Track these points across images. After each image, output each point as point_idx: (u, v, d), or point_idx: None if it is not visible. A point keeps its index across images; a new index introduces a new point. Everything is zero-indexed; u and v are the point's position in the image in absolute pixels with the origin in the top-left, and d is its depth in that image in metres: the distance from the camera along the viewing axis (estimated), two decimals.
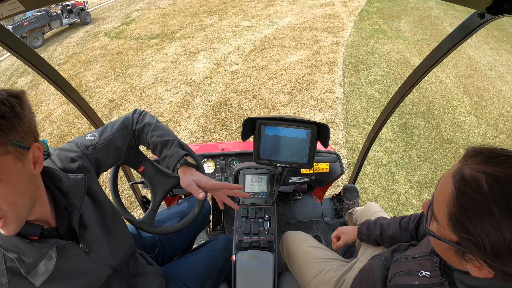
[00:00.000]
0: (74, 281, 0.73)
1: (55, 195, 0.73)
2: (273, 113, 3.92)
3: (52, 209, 0.73)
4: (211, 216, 1.56)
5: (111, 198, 0.99)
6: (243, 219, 1.29)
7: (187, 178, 0.95)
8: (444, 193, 0.54)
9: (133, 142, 1.00)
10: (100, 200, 0.85)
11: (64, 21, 8.10)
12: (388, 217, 1.14)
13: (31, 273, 0.65)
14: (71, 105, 1.61)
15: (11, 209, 0.59)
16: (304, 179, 1.60)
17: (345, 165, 2.91)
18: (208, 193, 1.04)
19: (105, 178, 2.89)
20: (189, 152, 1.08)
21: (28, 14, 7.21)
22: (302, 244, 1.27)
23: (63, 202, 0.74)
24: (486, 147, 0.54)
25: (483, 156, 0.52)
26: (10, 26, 6.84)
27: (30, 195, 0.64)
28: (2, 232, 0.60)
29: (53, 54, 6.69)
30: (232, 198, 1.98)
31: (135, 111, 1.04)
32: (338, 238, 1.22)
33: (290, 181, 1.59)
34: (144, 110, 1.07)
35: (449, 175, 0.55)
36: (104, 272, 0.81)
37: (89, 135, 0.91)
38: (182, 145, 1.01)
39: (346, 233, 1.20)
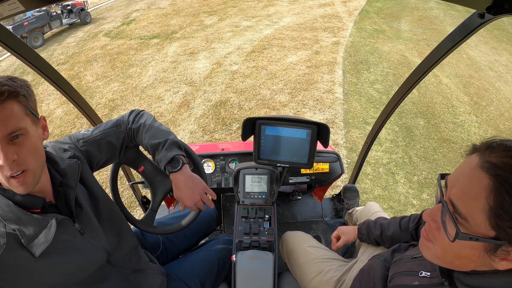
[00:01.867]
0: (69, 258, 0.75)
1: (52, 174, 0.78)
2: (273, 113, 3.92)
3: (50, 187, 0.78)
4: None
5: (111, 197, 1.00)
6: (243, 219, 1.29)
7: (175, 190, 0.98)
8: (476, 188, 0.50)
9: (128, 141, 1.01)
10: (94, 190, 0.88)
11: (64, 21, 8.09)
12: (388, 217, 1.14)
13: (31, 243, 0.67)
14: (71, 105, 1.61)
15: (31, 161, 0.67)
16: (304, 179, 1.60)
17: (345, 165, 2.91)
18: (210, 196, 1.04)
19: (105, 178, 2.89)
20: (186, 150, 1.07)
21: (28, 14, 7.20)
22: (302, 244, 1.27)
23: (58, 179, 0.79)
24: (498, 140, 0.53)
25: (502, 146, 0.51)
26: (10, 26, 6.83)
27: (43, 155, 0.73)
28: (21, 188, 0.66)
29: (53, 54, 6.69)
30: (232, 197, 1.98)
31: (132, 111, 1.05)
32: (338, 238, 1.22)
33: (290, 181, 1.59)
34: (142, 110, 1.07)
35: (476, 169, 0.52)
36: (98, 256, 0.82)
37: (83, 130, 0.96)
38: (175, 144, 0.98)
39: (346, 233, 1.20)
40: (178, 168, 0.94)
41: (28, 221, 0.68)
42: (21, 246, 0.67)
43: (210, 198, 1.02)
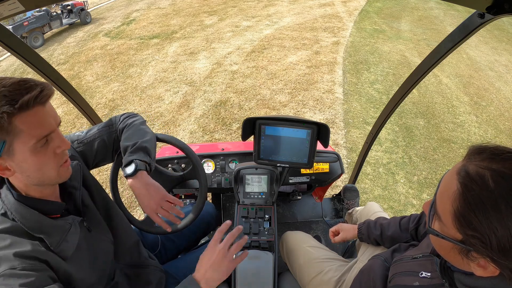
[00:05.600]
0: (88, 256, 0.77)
1: None
2: (273, 113, 3.92)
3: (58, 189, 0.79)
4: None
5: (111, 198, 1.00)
6: (243, 219, 1.29)
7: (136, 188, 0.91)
8: (449, 191, 0.53)
9: (118, 142, 1.01)
10: (92, 188, 0.89)
11: (64, 21, 8.09)
12: (388, 217, 1.14)
13: (58, 249, 0.68)
14: (71, 105, 1.61)
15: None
16: (304, 179, 1.60)
17: (345, 165, 2.90)
18: (209, 195, 1.03)
19: (105, 178, 2.90)
20: (184, 149, 1.06)
21: (28, 14, 7.21)
22: (302, 244, 1.27)
23: (67, 182, 0.80)
24: (489, 145, 0.54)
25: (487, 153, 0.52)
26: (10, 26, 6.83)
27: None
28: (68, 173, 0.73)
29: (53, 54, 6.69)
30: (232, 197, 1.97)
31: (125, 113, 1.06)
32: (337, 233, 1.22)
33: (290, 181, 1.59)
34: (137, 114, 1.08)
35: (453, 173, 0.54)
36: (107, 248, 0.85)
37: (78, 132, 0.97)
38: (141, 149, 0.94)
39: (346, 230, 1.20)
40: (130, 173, 0.89)
41: (53, 228, 0.69)
42: (51, 253, 0.67)
43: (176, 207, 0.94)
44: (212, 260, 0.80)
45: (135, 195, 0.91)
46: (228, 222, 0.89)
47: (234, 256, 0.85)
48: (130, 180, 0.90)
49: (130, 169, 0.89)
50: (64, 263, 0.69)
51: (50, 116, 0.65)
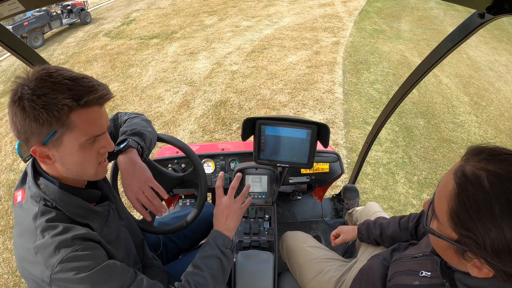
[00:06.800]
0: (119, 242, 0.79)
1: None
2: (273, 113, 3.92)
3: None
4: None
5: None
6: (243, 219, 1.29)
7: (122, 172, 0.91)
8: (446, 190, 0.54)
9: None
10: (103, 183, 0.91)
11: (64, 21, 8.09)
12: (388, 217, 1.15)
13: (102, 233, 0.72)
14: None
15: None
16: (304, 179, 1.60)
17: (345, 165, 2.90)
18: (209, 195, 1.04)
19: None
20: (183, 149, 1.07)
21: (28, 14, 7.20)
22: (302, 244, 1.27)
23: None
24: (487, 146, 0.54)
25: (484, 154, 0.52)
26: (10, 26, 6.83)
27: None
28: (104, 172, 0.75)
29: (53, 54, 6.69)
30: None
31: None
32: (337, 236, 1.23)
33: (290, 181, 1.59)
34: (139, 113, 1.09)
35: (451, 173, 0.55)
36: (124, 234, 0.86)
37: None
38: (138, 134, 0.95)
39: (346, 232, 1.20)
40: (120, 148, 0.89)
41: (95, 214, 0.72)
42: (95, 240, 0.68)
43: (161, 201, 0.93)
44: (225, 213, 0.89)
45: (120, 172, 0.90)
46: (221, 174, 0.96)
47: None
48: (119, 157, 0.90)
49: (122, 145, 0.90)
50: (109, 246, 0.71)
51: (104, 118, 0.68)
